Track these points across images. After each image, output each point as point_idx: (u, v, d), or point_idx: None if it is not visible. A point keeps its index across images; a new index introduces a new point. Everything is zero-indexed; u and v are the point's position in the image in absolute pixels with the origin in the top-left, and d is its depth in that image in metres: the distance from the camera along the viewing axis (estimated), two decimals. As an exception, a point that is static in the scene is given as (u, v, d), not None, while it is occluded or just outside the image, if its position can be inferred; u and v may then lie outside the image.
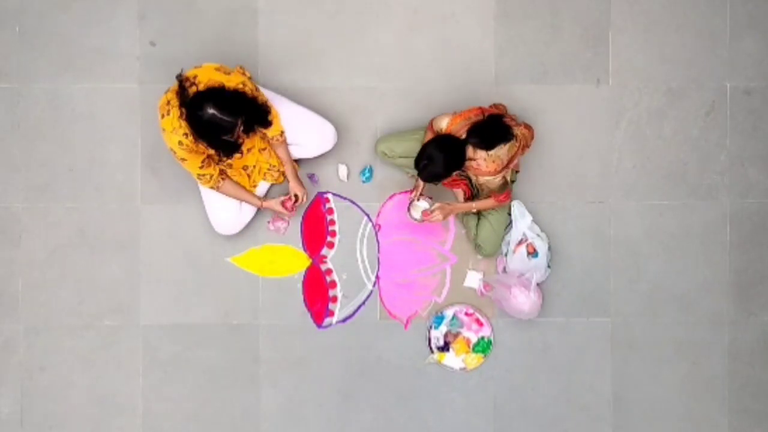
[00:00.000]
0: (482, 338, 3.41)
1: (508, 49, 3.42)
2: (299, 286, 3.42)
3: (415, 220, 3.25)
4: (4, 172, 3.37)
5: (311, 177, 3.41)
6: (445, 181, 3.17)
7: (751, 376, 3.44)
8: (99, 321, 3.39)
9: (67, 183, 3.38)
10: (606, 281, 3.43)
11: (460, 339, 3.40)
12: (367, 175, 3.39)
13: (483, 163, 2.98)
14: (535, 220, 3.38)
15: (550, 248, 3.37)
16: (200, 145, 2.89)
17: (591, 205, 3.43)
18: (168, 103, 2.85)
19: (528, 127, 3.20)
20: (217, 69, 2.87)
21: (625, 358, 3.43)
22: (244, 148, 3.09)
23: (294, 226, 3.42)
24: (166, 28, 3.39)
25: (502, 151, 2.99)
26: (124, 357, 3.39)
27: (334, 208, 3.43)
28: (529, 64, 3.42)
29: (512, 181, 3.25)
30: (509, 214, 3.36)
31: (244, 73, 3.02)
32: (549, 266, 3.37)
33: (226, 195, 3.15)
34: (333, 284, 3.42)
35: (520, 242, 3.34)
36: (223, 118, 2.70)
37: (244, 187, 3.18)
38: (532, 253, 3.32)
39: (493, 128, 2.99)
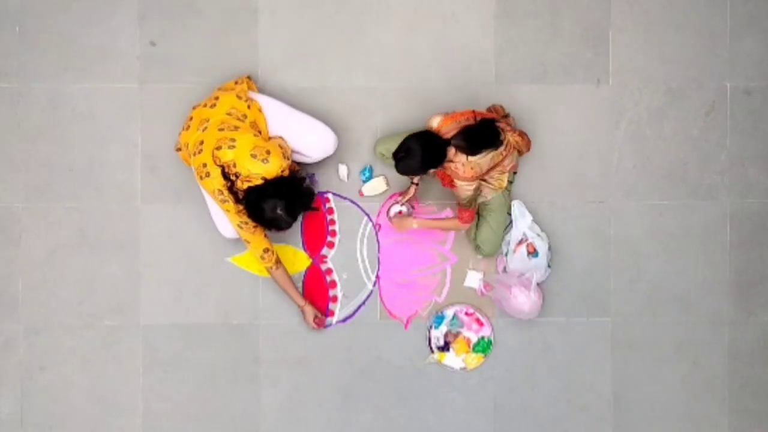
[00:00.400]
0: (482, 338, 3.41)
1: (508, 49, 3.42)
2: (299, 285, 3.41)
3: (388, 218, 3.33)
4: (4, 172, 3.37)
5: (311, 177, 3.40)
6: (445, 183, 3.18)
7: (751, 375, 3.44)
8: (99, 321, 3.39)
9: (67, 183, 3.38)
10: (606, 281, 3.43)
11: (461, 339, 3.40)
12: (368, 174, 3.39)
13: (461, 167, 2.98)
14: (535, 220, 3.38)
15: (550, 248, 3.37)
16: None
17: (591, 204, 3.43)
18: (221, 192, 2.97)
19: (523, 135, 3.20)
20: (253, 155, 2.94)
21: (625, 358, 3.43)
22: None
23: (294, 226, 3.41)
24: (166, 28, 3.38)
25: (483, 158, 2.98)
26: (124, 357, 3.39)
27: (335, 208, 3.42)
28: (530, 64, 3.41)
29: (510, 182, 3.26)
30: (509, 214, 3.36)
31: (250, 86, 3.06)
32: (549, 266, 3.37)
33: (278, 282, 3.22)
34: (333, 284, 3.42)
35: (520, 242, 3.34)
36: (287, 221, 2.93)
37: (292, 283, 3.25)
38: (533, 252, 3.32)
39: (482, 134, 2.98)
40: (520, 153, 3.24)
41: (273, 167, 2.94)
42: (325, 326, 3.38)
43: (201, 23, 3.39)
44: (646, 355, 3.43)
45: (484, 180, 3.15)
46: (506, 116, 3.28)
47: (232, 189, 2.95)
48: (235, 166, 2.93)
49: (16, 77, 3.37)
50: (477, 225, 3.33)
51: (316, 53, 3.40)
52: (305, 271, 3.42)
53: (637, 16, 3.43)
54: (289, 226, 2.97)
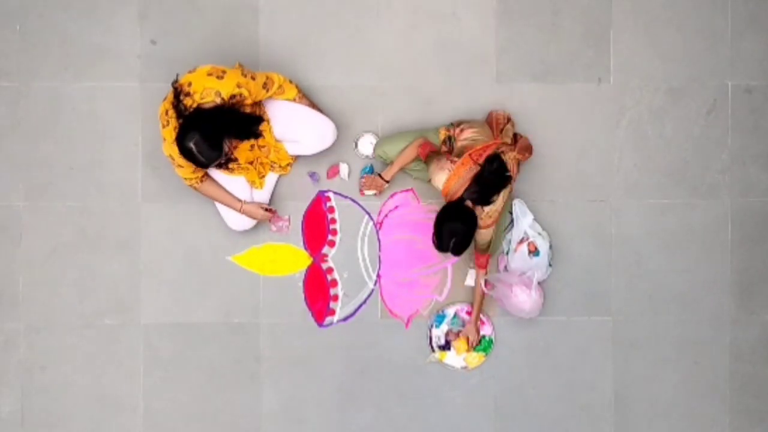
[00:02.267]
0: (483, 337, 3.41)
1: (509, 48, 3.41)
2: (300, 284, 3.41)
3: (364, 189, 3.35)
4: (4, 171, 3.37)
5: (312, 175, 3.40)
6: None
7: (753, 374, 3.44)
8: (100, 320, 3.39)
9: (68, 181, 3.38)
10: (607, 280, 3.43)
11: (461, 338, 3.39)
12: (368, 172, 3.38)
13: (481, 219, 3.01)
14: (536, 219, 3.38)
15: (551, 247, 3.36)
16: None
17: (592, 203, 3.43)
18: (166, 113, 2.89)
19: (523, 150, 3.17)
20: (210, 73, 2.88)
21: (627, 357, 3.43)
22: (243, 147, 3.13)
23: (295, 225, 3.42)
24: (166, 27, 3.38)
25: (497, 204, 3.01)
26: (125, 356, 3.39)
27: (335, 207, 3.42)
28: (530, 63, 3.41)
29: None
30: (510, 213, 3.35)
31: (241, 68, 3.03)
32: (550, 265, 3.37)
33: (207, 196, 3.16)
34: (334, 283, 3.42)
35: (521, 241, 3.33)
36: (203, 153, 2.80)
37: (222, 189, 3.17)
38: (534, 251, 3.32)
39: (491, 180, 2.96)
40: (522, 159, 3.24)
41: (229, 81, 2.86)
42: (286, 221, 3.34)
43: (202, 22, 3.38)
44: (647, 354, 3.43)
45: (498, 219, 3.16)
46: (507, 121, 3.27)
47: (177, 107, 2.85)
48: (190, 85, 2.85)
49: (16, 76, 3.37)
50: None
51: (317, 52, 3.40)
52: (306, 270, 3.42)
53: (638, 14, 3.42)
54: (209, 161, 2.84)
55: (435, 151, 3.11)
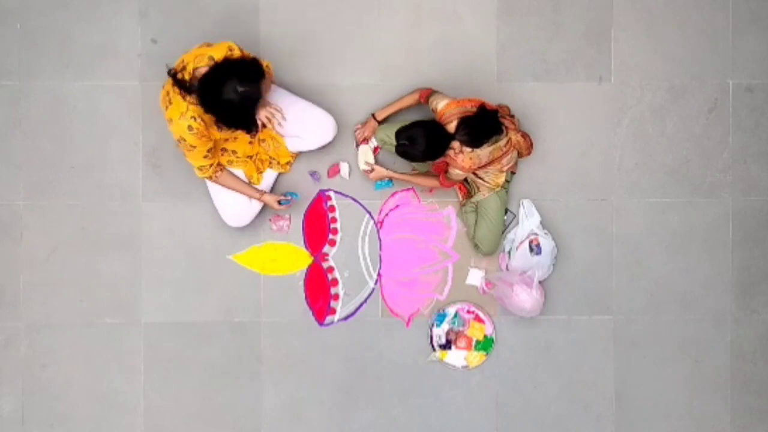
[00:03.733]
0: (484, 336, 3.41)
1: (510, 46, 3.41)
2: (301, 283, 3.41)
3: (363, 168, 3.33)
4: (5, 170, 3.37)
5: (313, 174, 3.40)
6: (443, 182, 3.18)
7: (754, 373, 3.44)
8: (100, 319, 3.39)
9: (69, 180, 3.37)
10: (608, 279, 3.43)
11: (462, 337, 3.39)
12: (386, 181, 3.38)
13: (460, 157, 3.00)
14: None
15: (556, 247, 3.36)
16: (210, 130, 2.91)
17: (593, 202, 3.43)
18: (168, 94, 2.86)
19: (526, 136, 3.20)
20: (200, 46, 2.88)
21: (628, 355, 3.43)
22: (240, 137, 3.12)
23: (296, 224, 3.42)
24: (167, 26, 3.38)
25: (483, 152, 2.99)
26: (126, 355, 3.39)
27: (336, 206, 3.42)
28: (531, 62, 3.41)
29: (507, 181, 3.26)
30: (511, 212, 3.35)
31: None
32: (554, 264, 3.37)
33: (226, 187, 3.15)
34: (335, 282, 3.42)
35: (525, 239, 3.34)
36: (251, 90, 2.69)
37: (240, 179, 3.18)
38: (537, 245, 3.31)
39: (484, 125, 2.98)
40: (520, 155, 3.24)
41: (219, 47, 2.83)
42: (286, 220, 3.36)
43: (202, 21, 3.38)
44: (649, 353, 3.43)
45: (479, 178, 3.15)
46: (511, 117, 3.28)
47: (178, 83, 2.77)
48: (183, 61, 2.82)
49: (17, 75, 3.37)
50: (475, 224, 3.33)
51: (318, 50, 3.39)
52: (307, 269, 3.42)
53: (639, 13, 3.42)
54: (255, 102, 2.75)
55: (435, 91, 3.15)
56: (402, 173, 3.29)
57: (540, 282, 3.31)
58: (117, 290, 3.39)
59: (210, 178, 3.09)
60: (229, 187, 3.16)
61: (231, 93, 2.69)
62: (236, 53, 2.85)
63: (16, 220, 3.37)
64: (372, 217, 3.43)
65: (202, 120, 2.85)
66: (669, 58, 3.42)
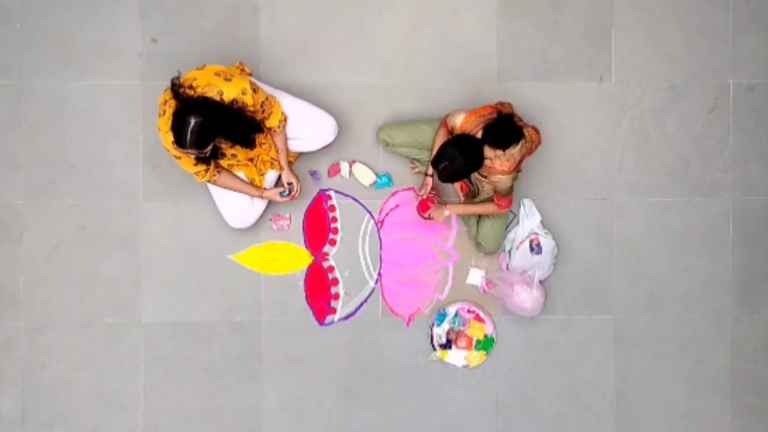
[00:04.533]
0: (485, 336, 3.41)
1: (510, 46, 3.41)
2: (301, 283, 3.41)
3: (422, 216, 3.28)
4: (5, 169, 3.37)
5: (313, 174, 3.40)
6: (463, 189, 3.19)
7: (754, 373, 3.44)
8: (100, 318, 3.39)
9: (69, 180, 3.37)
10: (608, 278, 3.43)
11: (463, 336, 3.39)
12: (384, 180, 3.37)
13: (498, 162, 2.97)
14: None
15: (557, 247, 3.36)
16: None
17: (593, 202, 3.43)
18: (165, 103, 2.86)
19: (536, 129, 3.20)
20: (218, 74, 2.86)
21: (628, 355, 3.43)
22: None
23: (296, 224, 3.42)
24: (167, 25, 3.38)
25: (515, 150, 2.98)
26: (126, 354, 3.39)
27: (336, 206, 3.42)
28: (532, 61, 3.41)
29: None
30: (512, 212, 3.35)
31: (243, 70, 3.01)
32: (554, 264, 3.36)
33: (225, 188, 3.15)
34: (335, 282, 3.42)
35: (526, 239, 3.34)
36: (193, 136, 2.71)
37: (240, 179, 3.18)
38: (537, 244, 3.31)
39: (507, 127, 2.97)
40: (532, 150, 3.23)
41: (234, 86, 2.84)
42: (287, 220, 3.35)
43: (202, 20, 3.38)
44: (649, 353, 3.43)
45: (483, 177, 3.15)
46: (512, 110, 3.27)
47: (178, 97, 2.78)
48: (194, 80, 2.82)
49: (17, 74, 3.37)
50: (478, 222, 3.33)
51: (318, 50, 3.39)
52: (307, 269, 3.42)
53: (640, 13, 3.42)
54: (186, 143, 2.72)
55: (449, 114, 3.15)
56: (466, 206, 3.27)
57: (540, 281, 3.31)
58: (117, 290, 3.39)
59: (210, 181, 3.08)
60: (229, 188, 3.16)
61: (189, 119, 2.70)
62: (247, 98, 2.86)
63: (16, 219, 3.37)
64: (372, 217, 3.43)
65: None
66: (669, 58, 3.42)
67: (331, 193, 3.42)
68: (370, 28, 3.40)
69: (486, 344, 3.41)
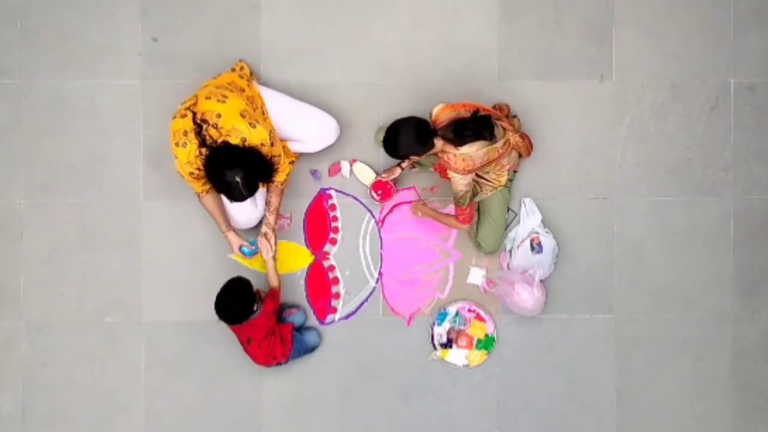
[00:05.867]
0: (485, 335, 3.40)
1: (511, 45, 3.41)
2: (302, 282, 3.41)
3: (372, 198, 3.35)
4: (5, 168, 3.37)
5: (314, 173, 3.40)
6: (443, 175, 3.17)
7: (755, 372, 3.43)
8: (101, 318, 3.38)
9: (69, 179, 3.37)
10: (609, 278, 3.43)
11: (463, 336, 3.39)
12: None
13: (452, 158, 2.98)
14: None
15: (557, 246, 3.35)
16: None
17: (594, 201, 3.42)
18: (185, 134, 2.85)
19: (525, 137, 3.19)
20: (243, 115, 2.86)
21: (629, 355, 3.42)
22: None
23: (297, 223, 3.41)
24: (168, 24, 3.38)
25: (476, 151, 2.96)
26: (127, 354, 3.39)
27: (337, 205, 3.42)
28: (532, 60, 3.41)
29: (510, 180, 3.25)
30: (513, 211, 3.35)
31: (242, 68, 3.01)
32: (554, 263, 3.36)
33: (205, 207, 3.13)
34: (336, 281, 3.42)
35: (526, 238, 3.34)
36: (242, 191, 2.78)
37: (218, 209, 3.13)
38: (538, 243, 3.31)
39: (470, 127, 2.95)
40: (520, 155, 3.24)
41: (258, 134, 2.86)
42: (287, 219, 3.36)
43: (203, 19, 3.38)
44: (650, 352, 3.43)
45: (482, 177, 3.14)
46: (514, 116, 3.27)
47: (200, 133, 2.82)
48: (219, 116, 2.83)
49: (17, 73, 3.37)
50: (477, 223, 3.33)
51: (319, 49, 3.39)
52: (308, 268, 3.41)
53: (641, 11, 3.42)
54: (241, 198, 2.82)
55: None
56: (430, 211, 3.31)
57: (541, 281, 3.30)
58: (117, 289, 3.39)
59: (201, 192, 3.07)
60: (207, 210, 3.13)
61: (235, 177, 2.75)
62: (265, 149, 2.88)
63: (16, 218, 3.37)
64: (373, 216, 3.42)
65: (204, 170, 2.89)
66: (670, 57, 3.42)
67: (332, 192, 3.42)
68: (371, 27, 3.40)
69: (487, 344, 3.41)
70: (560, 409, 3.43)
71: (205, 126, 2.82)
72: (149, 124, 3.36)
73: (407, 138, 2.92)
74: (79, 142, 3.37)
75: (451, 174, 3.02)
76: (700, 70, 3.43)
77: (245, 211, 3.21)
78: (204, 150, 2.84)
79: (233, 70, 3.24)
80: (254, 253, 3.20)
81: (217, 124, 2.82)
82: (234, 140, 2.83)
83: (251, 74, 3.29)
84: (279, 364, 3.24)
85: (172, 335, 3.39)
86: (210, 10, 3.38)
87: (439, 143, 2.97)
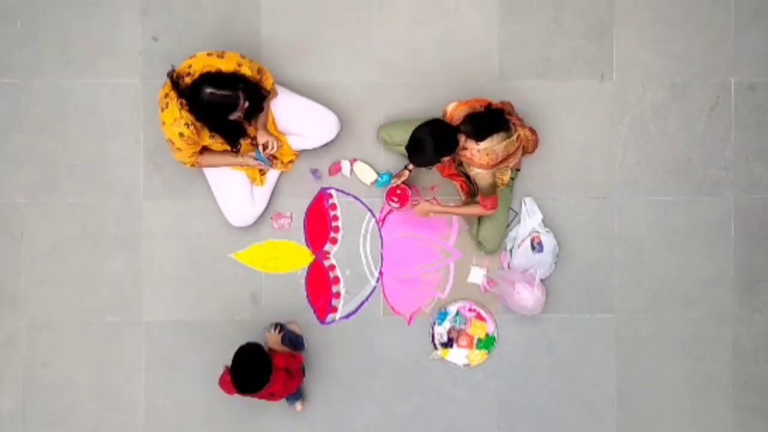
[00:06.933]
0: (486, 334, 3.40)
1: (511, 44, 3.41)
2: (302, 282, 3.41)
3: (389, 204, 3.31)
4: (6, 168, 3.37)
5: (314, 173, 3.40)
6: (444, 174, 3.16)
7: (756, 372, 3.43)
8: (101, 317, 3.38)
9: (70, 178, 3.37)
10: (610, 277, 3.42)
11: (464, 335, 3.39)
12: (385, 179, 3.36)
13: (477, 154, 2.97)
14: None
15: (558, 245, 3.35)
16: (202, 134, 2.93)
17: (595, 200, 3.42)
18: (166, 96, 2.87)
19: (533, 131, 3.19)
20: (210, 54, 2.89)
21: (630, 354, 3.42)
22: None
23: (297, 222, 3.41)
24: (168, 23, 3.38)
25: (497, 145, 2.96)
26: (127, 353, 3.38)
27: (337, 204, 3.42)
28: (533, 60, 3.41)
29: (512, 179, 3.25)
30: (512, 210, 3.35)
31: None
32: (555, 263, 3.36)
33: (210, 166, 3.13)
34: (336, 280, 3.41)
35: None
36: (222, 94, 2.75)
37: (219, 153, 3.13)
38: (538, 242, 3.30)
39: (489, 120, 2.96)
40: (525, 150, 3.23)
41: (229, 60, 2.86)
42: (288, 218, 3.35)
43: (203, 18, 3.38)
44: (650, 352, 3.42)
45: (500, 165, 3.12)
46: (512, 109, 3.27)
47: (177, 87, 2.82)
48: (190, 66, 2.84)
49: (18, 72, 3.36)
50: (479, 222, 3.32)
51: (319, 48, 3.39)
52: (308, 267, 3.41)
53: (641, 11, 3.42)
54: (233, 102, 2.78)
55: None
56: (444, 207, 3.30)
57: (542, 280, 3.30)
58: (118, 288, 3.38)
59: (193, 166, 3.09)
60: (213, 166, 3.15)
61: (204, 95, 2.74)
62: (245, 69, 2.88)
63: (17, 218, 3.37)
64: (373, 215, 3.42)
65: (194, 127, 2.89)
66: (671, 56, 3.42)
67: (332, 191, 3.42)
68: (372, 26, 3.40)
69: (487, 343, 3.41)
70: (561, 408, 3.43)
71: (180, 81, 2.82)
72: (150, 123, 3.36)
73: (437, 143, 2.90)
74: (79, 141, 3.37)
75: (475, 171, 3.01)
76: (700, 70, 3.43)
77: (242, 207, 3.21)
78: (184, 101, 2.82)
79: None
80: (266, 162, 3.20)
81: (190, 72, 2.82)
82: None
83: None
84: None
85: (173, 335, 3.39)
86: (210, 9, 3.38)
87: (461, 140, 2.96)
